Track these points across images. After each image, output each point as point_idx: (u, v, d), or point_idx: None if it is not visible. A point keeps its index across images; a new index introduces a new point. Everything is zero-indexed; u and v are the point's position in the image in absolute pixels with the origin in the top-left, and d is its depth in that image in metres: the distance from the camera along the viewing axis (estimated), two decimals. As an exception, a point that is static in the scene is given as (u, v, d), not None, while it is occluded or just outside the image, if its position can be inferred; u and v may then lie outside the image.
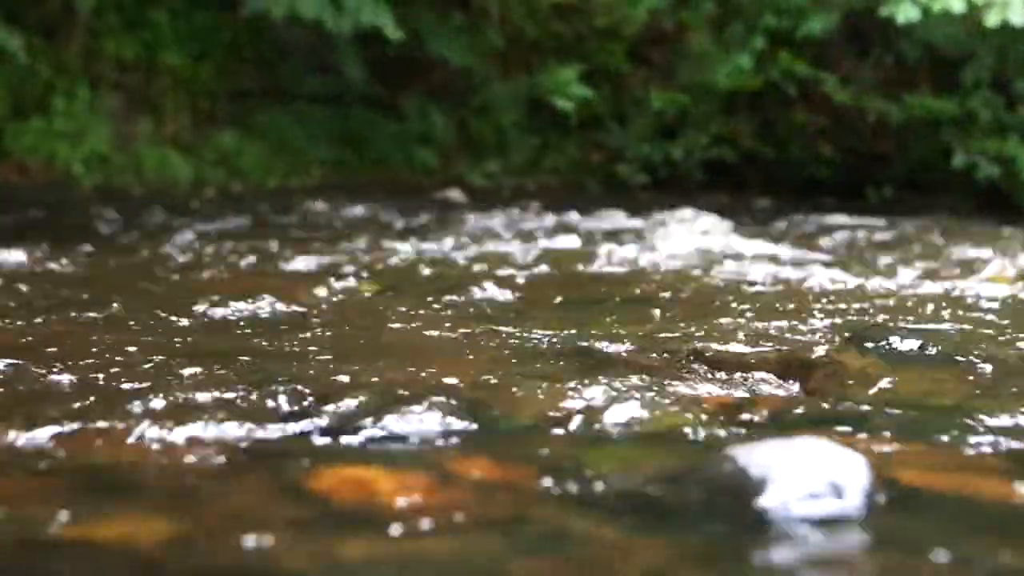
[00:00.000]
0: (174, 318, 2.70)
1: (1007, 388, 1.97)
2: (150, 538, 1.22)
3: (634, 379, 1.96)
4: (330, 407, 1.69)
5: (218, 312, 2.76)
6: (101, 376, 1.95)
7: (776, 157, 8.91)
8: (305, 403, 1.72)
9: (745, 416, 1.77)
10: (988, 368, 2.15)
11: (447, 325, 2.60)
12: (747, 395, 1.93)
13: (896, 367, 2.09)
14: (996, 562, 1.20)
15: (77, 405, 1.74)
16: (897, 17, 7.46)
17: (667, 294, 3.42)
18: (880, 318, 2.84)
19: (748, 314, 2.91)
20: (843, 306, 3.11)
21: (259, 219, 6.00)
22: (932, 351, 2.23)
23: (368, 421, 1.64)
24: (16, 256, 3.98)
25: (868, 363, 2.10)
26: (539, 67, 9.09)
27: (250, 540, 1.21)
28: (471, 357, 2.21)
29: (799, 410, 1.81)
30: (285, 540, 1.21)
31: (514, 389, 1.85)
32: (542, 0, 9.09)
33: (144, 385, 1.89)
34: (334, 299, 3.13)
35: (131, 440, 1.57)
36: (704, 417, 1.76)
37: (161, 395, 1.80)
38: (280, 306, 2.89)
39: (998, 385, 2.00)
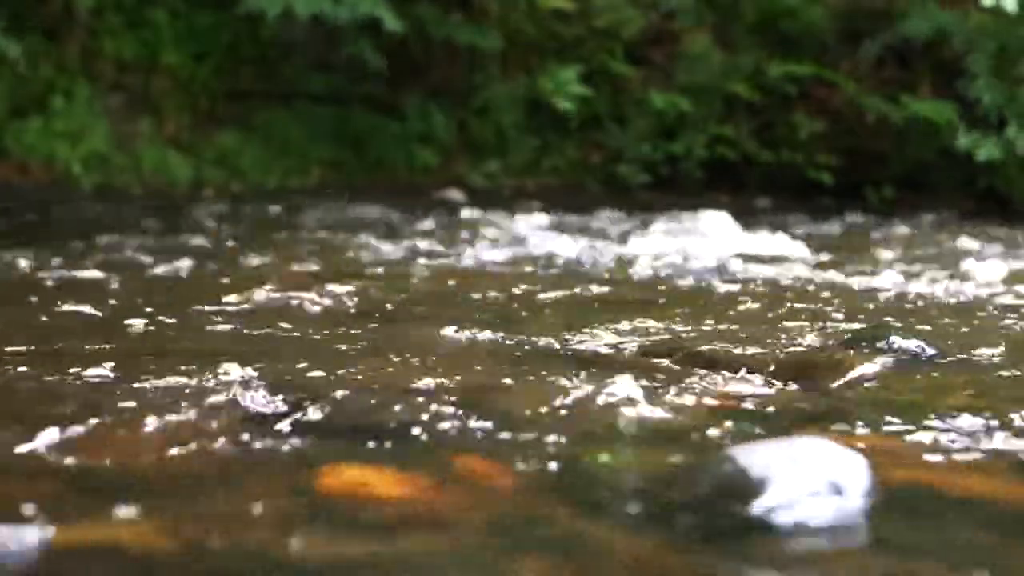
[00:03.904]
0: (174, 318, 2.70)
1: (1007, 388, 1.97)
2: (149, 538, 1.22)
3: (634, 379, 1.96)
4: (330, 407, 1.69)
5: (218, 311, 2.76)
6: (101, 376, 1.95)
7: (776, 157, 8.90)
8: (305, 402, 1.72)
9: (745, 416, 1.77)
10: (988, 368, 2.15)
11: (447, 325, 2.60)
12: (747, 395, 1.93)
13: (896, 367, 2.09)
14: (997, 562, 1.20)
15: (76, 405, 1.74)
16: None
17: (667, 295, 3.42)
18: (880, 318, 2.84)
19: (748, 314, 2.91)
20: (843, 306, 3.11)
21: (258, 219, 5.99)
22: (932, 351, 2.23)
23: (368, 421, 1.64)
24: (14, 256, 3.98)
25: (868, 363, 2.10)
26: (539, 68, 9.09)
27: (250, 540, 1.21)
28: (471, 357, 2.21)
29: (799, 410, 1.81)
30: (285, 540, 1.21)
31: (514, 389, 1.85)
32: (542, 3, 9.09)
33: (144, 385, 1.89)
34: (334, 299, 3.13)
35: (131, 440, 1.57)
36: (704, 417, 1.76)
37: (161, 395, 1.80)
38: (280, 306, 2.89)
39: (998, 385, 2.00)
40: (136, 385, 1.89)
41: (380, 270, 3.98)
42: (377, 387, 1.83)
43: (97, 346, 2.29)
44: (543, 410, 1.75)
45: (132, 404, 1.74)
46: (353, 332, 2.53)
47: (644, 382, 1.93)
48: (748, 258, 4.43)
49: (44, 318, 2.68)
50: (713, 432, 1.66)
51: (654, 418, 1.74)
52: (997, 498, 1.40)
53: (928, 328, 2.64)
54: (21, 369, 1.99)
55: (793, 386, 1.98)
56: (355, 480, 1.41)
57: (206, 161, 8.27)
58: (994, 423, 1.71)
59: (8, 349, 2.22)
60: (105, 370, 1.99)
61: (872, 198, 8.55)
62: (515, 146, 9.12)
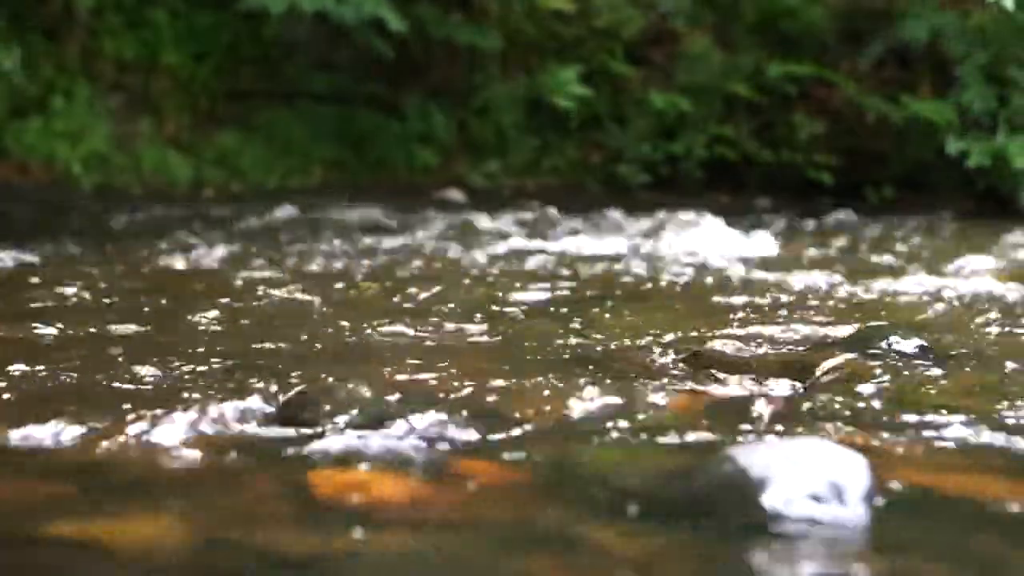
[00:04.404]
0: (174, 318, 2.70)
1: (1007, 388, 1.97)
2: (151, 538, 1.22)
3: (634, 379, 1.96)
4: (331, 407, 1.69)
5: (218, 312, 2.76)
6: (101, 376, 1.95)
7: (776, 157, 8.91)
8: (306, 403, 1.72)
9: (745, 416, 1.77)
10: (988, 368, 2.15)
11: (447, 325, 2.60)
12: (747, 395, 1.93)
13: (896, 367, 2.09)
14: (997, 562, 1.20)
15: (77, 405, 1.74)
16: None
17: (667, 295, 3.42)
18: (880, 318, 2.84)
19: (748, 315, 2.91)
20: (843, 306, 3.11)
21: (258, 219, 5.99)
22: (932, 351, 2.23)
23: (369, 421, 1.64)
24: (15, 256, 3.98)
25: (868, 363, 2.10)
26: (539, 68, 9.09)
27: (251, 540, 1.21)
28: (471, 357, 2.21)
29: (799, 410, 1.81)
30: (286, 540, 1.21)
31: (514, 389, 1.85)
32: (542, 4, 9.09)
33: (144, 385, 1.89)
34: (334, 299, 3.13)
35: (132, 440, 1.57)
36: (704, 417, 1.76)
37: (161, 395, 1.80)
38: (280, 306, 2.89)
39: (998, 385, 2.00)
40: (136, 386, 1.89)
41: (378, 270, 3.98)
42: (376, 387, 1.83)
43: (97, 346, 2.29)
44: (543, 410, 1.75)
45: (132, 405, 1.74)
46: (352, 332, 2.53)
47: (643, 381, 1.93)
48: (747, 259, 4.43)
49: (43, 317, 2.68)
50: (713, 432, 1.66)
51: (654, 418, 1.74)
52: (997, 498, 1.40)
53: (928, 328, 2.64)
54: (21, 368, 1.99)
55: (793, 386, 1.98)
56: (355, 480, 1.41)
57: (206, 161, 8.27)
58: (994, 423, 1.71)
59: (8, 348, 2.22)
60: (105, 371, 1.99)
61: (872, 198, 8.55)
62: (515, 146, 9.12)
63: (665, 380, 1.98)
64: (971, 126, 7.78)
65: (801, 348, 2.34)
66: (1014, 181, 7.58)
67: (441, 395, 1.81)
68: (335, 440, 1.58)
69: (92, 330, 2.49)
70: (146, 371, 1.98)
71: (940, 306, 3.14)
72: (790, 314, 2.90)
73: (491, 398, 1.78)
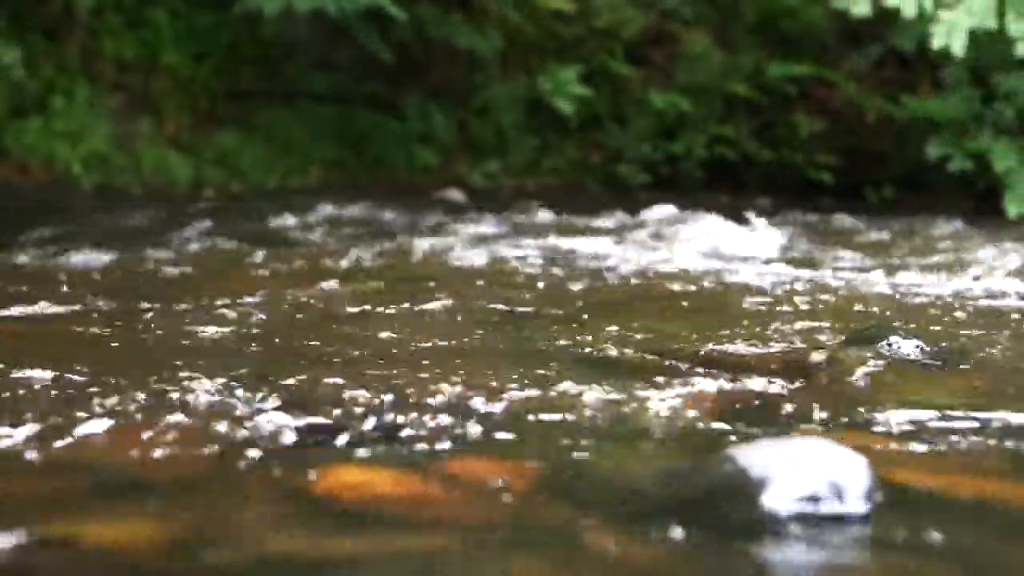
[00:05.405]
0: (173, 318, 2.70)
1: (1007, 388, 1.97)
2: (150, 539, 1.22)
3: (634, 379, 1.96)
4: (330, 407, 1.69)
5: (218, 312, 2.76)
6: (100, 376, 1.95)
7: (776, 157, 8.91)
8: (305, 403, 1.72)
9: (745, 416, 1.77)
10: (988, 368, 2.15)
11: (447, 326, 2.60)
12: (747, 395, 1.93)
13: (896, 367, 2.09)
14: (996, 562, 1.20)
15: (77, 405, 1.74)
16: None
17: (667, 295, 3.42)
18: (880, 318, 2.84)
19: (748, 315, 2.91)
20: (843, 306, 3.12)
21: (259, 219, 5.99)
22: (932, 351, 2.23)
23: (368, 421, 1.64)
24: (16, 255, 3.98)
25: (868, 363, 2.10)
26: (539, 68, 9.09)
27: (250, 541, 1.21)
28: (471, 357, 2.21)
29: (799, 410, 1.81)
30: (285, 541, 1.21)
31: (514, 389, 1.85)
32: (542, 4, 9.09)
33: (144, 385, 1.89)
34: (334, 299, 3.13)
35: (131, 440, 1.57)
36: (704, 417, 1.76)
37: (161, 395, 1.80)
38: (280, 306, 2.89)
39: (999, 385, 2.00)
40: (136, 386, 1.89)
41: (379, 271, 3.98)
42: (377, 387, 1.83)
43: (97, 346, 2.29)
44: (543, 410, 1.75)
45: (132, 405, 1.74)
46: (352, 333, 2.53)
47: (644, 382, 1.93)
48: (747, 258, 4.43)
49: (44, 317, 2.68)
50: (713, 432, 1.66)
51: (654, 418, 1.74)
52: (997, 498, 1.40)
53: (928, 328, 2.64)
54: (21, 368, 1.99)
55: (793, 386, 1.98)
56: (355, 480, 1.41)
57: (206, 161, 8.27)
58: (994, 423, 1.71)
59: (8, 348, 2.22)
60: (104, 371, 1.99)
61: (872, 198, 8.55)
62: (515, 146, 9.12)
63: (665, 380, 1.98)
64: (959, 128, 7.78)
65: (802, 348, 2.34)
66: (1002, 183, 7.56)
67: (441, 395, 1.81)
68: (336, 440, 1.58)
69: (92, 329, 2.49)
70: (146, 371, 1.98)
71: (940, 306, 3.14)
72: (791, 314, 2.90)
73: (491, 398, 1.78)
